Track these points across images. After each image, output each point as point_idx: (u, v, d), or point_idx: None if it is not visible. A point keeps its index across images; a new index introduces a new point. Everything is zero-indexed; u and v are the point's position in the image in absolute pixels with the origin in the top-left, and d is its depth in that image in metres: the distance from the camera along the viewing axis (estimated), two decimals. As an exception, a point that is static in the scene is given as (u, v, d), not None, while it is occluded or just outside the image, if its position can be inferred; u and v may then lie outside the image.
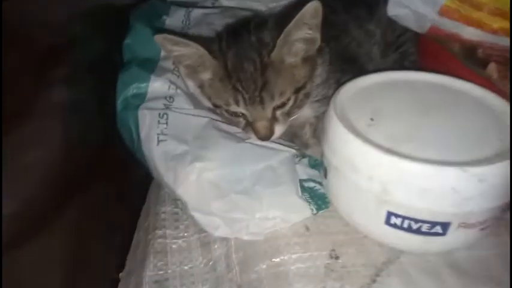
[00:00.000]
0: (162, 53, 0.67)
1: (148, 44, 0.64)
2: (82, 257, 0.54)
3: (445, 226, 0.46)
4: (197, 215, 0.55)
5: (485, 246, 0.51)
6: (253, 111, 0.57)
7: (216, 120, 0.63)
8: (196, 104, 0.65)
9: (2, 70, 0.41)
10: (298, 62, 0.58)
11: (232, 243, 0.55)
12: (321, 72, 0.62)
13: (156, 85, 0.63)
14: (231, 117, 0.60)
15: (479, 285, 0.47)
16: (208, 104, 0.64)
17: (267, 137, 0.59)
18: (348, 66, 0.65)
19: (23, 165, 0.44)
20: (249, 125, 0.59)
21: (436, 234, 0.46)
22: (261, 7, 0.88)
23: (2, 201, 0.39)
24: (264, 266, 0.51)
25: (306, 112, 0.64)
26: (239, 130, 0.62)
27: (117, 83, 0.63)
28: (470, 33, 0.56)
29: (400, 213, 0.46)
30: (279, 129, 0.59)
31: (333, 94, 0.56)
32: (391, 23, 0.72)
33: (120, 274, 0.60)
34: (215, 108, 0.62)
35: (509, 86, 0.52)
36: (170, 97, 0.63)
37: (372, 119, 0.51)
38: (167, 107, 0.62)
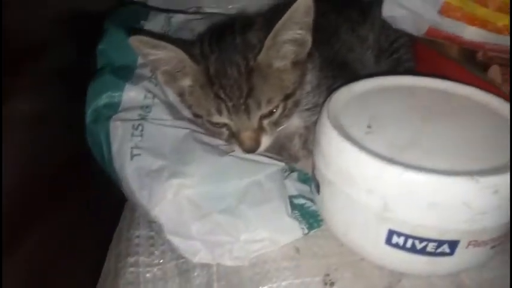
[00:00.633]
0: (140, 60, 0.62)
1: (124, 50, 0.59)
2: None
3: (453, 245, 0.41)
4: (174, 239, 0.50)
5: (494, 265, 0.47)
6: (237, 121, 0.52)
7: (197, 131, 0.58)
8: (176, 114, 0.60)
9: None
10: (287, 67, 0.53)
11: (215, 270, 0.50)
12: (311, 78, 0.58)
13: (131, 94, 0.58)
14: (214, 128, 0.55)
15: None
16: (188, 114, 0.59)
17: (252, 149, 0.54)
18: (340, 72, 0.61)
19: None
20: (233, 137, 0.54)
21: (443, 254, 0.42)
22: (250, 13, 0.84)
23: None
24: (251, 296, 0.46)
25: (295, 122, 0.60)
26: (222, 142, 0.57)
27: (87, 92, 0.57)
28: (472, 34, 0.52)
29: (403, 231, 0.42)
30: (266, 141, 0.54)
31: (324, 102, 0.51)
32: (385, 28, 0.69)
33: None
34: (196, 118, 0.57)
35: (509, 87, 0.48)
36: (146, 107, 0.58)
37: (369, 126, 0.46)
38: (143, 118, 0.56)
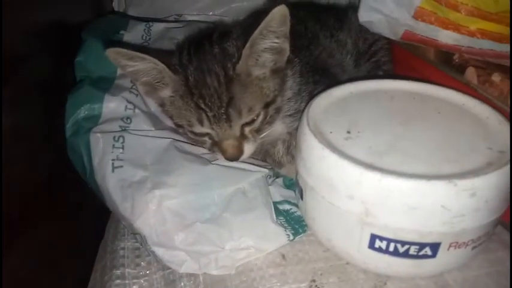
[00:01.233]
0: (119, 70, 0.61)
1: (103, 61, 0.58)
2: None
3: (435, 247, 0.41)
4: (159, 250, 0.49)
5: (477, 265, 0.48)
6: (219, 131, 0.52)
7: (180, 141, 0.58)
8: (158, 124, 0.60)
9: None
10: (266, 75, 0.53)
11: (201, 279, 0.50)
12: (291, 84, 0.58)
13: (111, 105, 0.58)
14: (196, 138, 0.55)
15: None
16: (171, 123, 0.59)
17: (235, 157, 0.54)
18: (321, 77, 0.61)
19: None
20: (216, 145, 0.54)
21: (425, 256, 0.42)
22: (229, 21, 0.84)
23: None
24: (237, 304, 0.46)
25: (278, 128, 0.60)
26: (205, 151, 0.57)
27: (66, 105, 0.56)
28: (446, 37, 0.53)
29: (385, 235, 0.42)
30: (248, 148, 0.54)
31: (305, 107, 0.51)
32: (362, 32, 0.70)
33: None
34: (178, 128, 0.56)
35: (509, 90, 0.49)
36: (127, 118, 0.57)
37: (348, 132, 0.46)
38: (124, 129, 0.56)
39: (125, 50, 0.49)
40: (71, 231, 0.58)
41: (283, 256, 0.51)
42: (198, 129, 0.53)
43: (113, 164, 0.53)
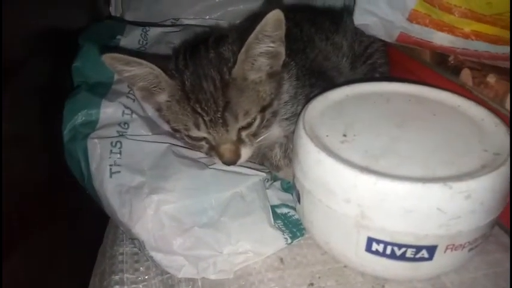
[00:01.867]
0: (116, 76, 0.62)
1: (100, 66, 0.58)
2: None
3: (432, 250, 0.42)
4: (157, 255, 0.49)
5: (474, 267, 0.48)
6: (216, 135, 0.52)
7: (177, 145, 0.58)
8: (155, 128, 0.60)
9: None
10: (262, 78, 0.53)
11: (199, 284, 0.50)
12: (288, 88, 0.58)
13: (109, 111, 0.58)
14: (193, 142, 0.55)
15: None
16: (168, 128, 0.59)
17: (233, 161, 0.54)
18: (317, 80, 0.61)
19: None
20: (213, 149, 0.54)
21: (422, 259, 0.42)
22: (225, 25, 0.85)
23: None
24: (236, 309, 0.46)
25: (275, 132, 0.60)
26: (203, 155, 0.57)
27: (64, 111, 0.56)
28: (441, 39, 0.53)
29: (381, 238, 0.42)
30: (245, 152, 0.54)
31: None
32: (358, 34, 0.70)
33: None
34: (175, 132, 0.56)
35: (504, 91, 0.49)
36: (125, 123, 0.58)
37: (344, 135, 0.47)
38: (121, 135, 0.56)
39: (121, 55, 0.49)
40: (70, 237, 0.58)
41: (282, 260, 0.51)
42: (195, 133, 0.53)
43: (110, 169, 0.53)
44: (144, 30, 0.72)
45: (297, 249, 0.52)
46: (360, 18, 0.59)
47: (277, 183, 0.61)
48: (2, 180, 0.44)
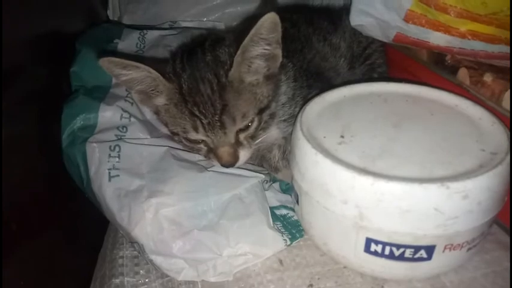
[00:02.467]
0: (114, 79, 0.62)
1: (98, 70, 0.58)
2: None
3: (430, 250, 0.42)
4: (157, 259, 0.49)
5: (473, 266, 0.48)
6: (214, 137, 0.52)
7: (176, 148, 0.58)
8: (153, 132, 0.60)
9: None
10: (259, 81, 0.53)
11: (200, 286, 0.50)
12: (285, 89, 0.58)
13: (107, 115, 0.58)
14: (191, 145, 0.55)
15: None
16: (166, 131, 0.59)
17: (231, 163, 0.54)
18: (314, 81, 0.61)
19: None
20: (211, 152, 0.54)
21: (421, 259, 0.42)
22: (222, 27, 0.85)
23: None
24: (235, 311, 0.46)
25: (273, 133, 0.60)
26: (201, 157, 0.57)
27: (62, 115, 0.57)
28: (438, 39, 0.53)
29: (380, 239, 0.42)
30: (244, 155, 0.54)
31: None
32: (356, 35, 0.70)
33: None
34: (173, 135, 0.56)
35: (501, 90, 0.49)
36: (123, 127, 0.58)
37: (342, 136, 0.47)
38: (119, 138, 0.56)
39: (118, 59, 0.49)
40: (70, 241, 0.58)
41: (281, 261, 0.51)
42: (193, 136, 0.53)
43: (109, 173, 0.53)
44: (142, 33, 0.72)
45: (296, 250, 0.52)
46: (356, 19, 0.59)
47: (276, 185, 0.61)
48: (1, 184, 0.44)
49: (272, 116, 0.56)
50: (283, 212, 0.56)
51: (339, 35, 0.70)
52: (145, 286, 0.52)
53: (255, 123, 0.53)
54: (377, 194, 0.40)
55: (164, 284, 0.51)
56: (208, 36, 0.57)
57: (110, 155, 0.54)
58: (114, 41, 0.69)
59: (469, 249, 0.43)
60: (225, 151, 0.53)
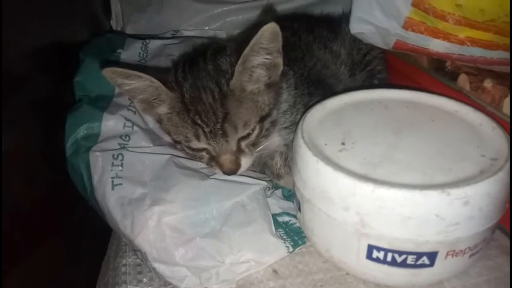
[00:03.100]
0: (117, 89, 0.62)
1: (101, 80, 0.59)
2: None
3: (432, 256, 0.42)
4: (160, 267, 0.50)
5: (476, 272, 0.48)
6: (216, 146, 0.53)
7: (178, 156, 0.58)
8: (156, 140, 0.60)
9: None
10: (261, 89, 0.54)
11: (202, 294, 0.49)
12: (287, 97, 0.59)
13: (110, 123, 0.59)
14: (194, 153, 0.56)
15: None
16: (169, 139, 0.59)
17: (233, 171, 0.54)
18: (316, 88, 0.62)
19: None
20: (213, 160, 0.55)
21: (423, 265, 0.42)
22: (223, 36, 0.86)
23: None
24: (238, 319, 0.46)
25: (275, 140, 0.60)
26: (203, 165, 0.58)
27: (66, 125, 0.57)
28: (437, 46, 0.54)
29: (382, 246, 0.42)
30: (246, 162, 0.55)
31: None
32: (356, 42, 0.71)
33: None
34: (176, 144, 0.57)
35: (501, 96, 0.49)
36: (126, 135, 0.58)
37: (343, 143, 0.47)
38: (122, 147, 0.57)
39: (121, 69, 0.50)
40: (73, 249, 0.58)
41: (283, 268, 0.51)
42: (195, 144, 0.53)
43: (112, 182, 0.53)
44: (144, 43, 0.73)
45: (298, 257, 0.52)
46: (355, 27, 0.60)
47: (278, 192, 0.61)
48: (1, 194, 0.44)
49: (273, 123, 0.56)
50: (286, 219, 0.56)
51: (339, 42, 0.70)
52: (149, 294, 0.52)
53: (256, 131, 0.54)
54: (378, 201, 0.40)
55: (167, 292, 0.52)
56: (210, 46, 0.57)
57: (113, 163, 0.55)
58: (117, 51, 0.70)
59: (471, 255, 0.43)
60: (226, 159, 0.53)
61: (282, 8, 0.87)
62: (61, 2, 0.67)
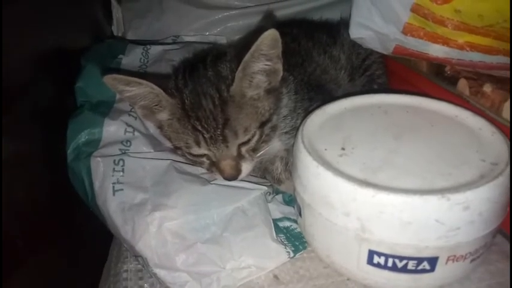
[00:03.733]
0: (118, 95, 0.63)
1: (102, 86, 0.58)
2: None
3: (433, 261, 0.42)
4: (161, 272, 0.49)
5: (477, 277, 0.48)
6: (216, 151, 0.53)
7: (179, 161, 0.58)
8: (157, 145, 0.60)
9: None
10: (261, 95, 0.54)
11: (203, 299, 0.49)
12: (287, 102, 0.59)
13: (111, 129, 0.59)
14: (194, 158, 0.56)
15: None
16: (169, 145, 0.60)
17: (233, 176, 0.54)
18: (316, 93, 0.62)
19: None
20: (214, 165, 0.55)
21: (424, 271, 0.42)
22: (223, 41, 0.86)
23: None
24: (239, 325, 0.46)
25: (276, 145, 0.60)
26: (204, 171, 0.58)
27: (67, 131, 0.58)
28: (436, 51, 0.54)
29: (382, 251, 0.42)
30: (246, 167, 0.55)
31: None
32: (355, 47, 0.71)
33: None
34: (176, 150, 0.57)
35: (501, 100, 0.50)
36: (127, 141, 0.59)
37: (343, 148, 0.47)
38: (123, 152, 0.57)
39: (121, 76, 0.50)
40: (74, 255, 0.58)
41: (284, 274, 0.51)
42: (196, 150, 0.54)
43: (113, 187, 0.53)
44: (145, 48, 0.73)
45: (299, 262, 0.52)
46: (355, 32, 0.60)
47: (279, 197, 0.61)
48: (1, 199, 0.44)
49: (274, 128, 0.56)
50: (286, 224, 0.56)
51: (338, 47, 0.70)
52: (150, 300, 0.52)
53: (256, 137, 0.54)
54: (378, 206, 0.40)
55: (168, 298, 0.51)
56: (210, 52, 0.57)
57: (114, 169, 0.55)
58: (119, 57, 0.70)
59: (472, 260, 0.43)
60: (227, 164, 0.53)
61: (282, 13, 0.88)
62: (62, 9, 0.68)
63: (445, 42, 0.52)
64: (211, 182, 0.56)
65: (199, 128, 0.51)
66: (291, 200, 0.60)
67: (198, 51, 0.62)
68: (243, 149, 0.54)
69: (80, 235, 0.60)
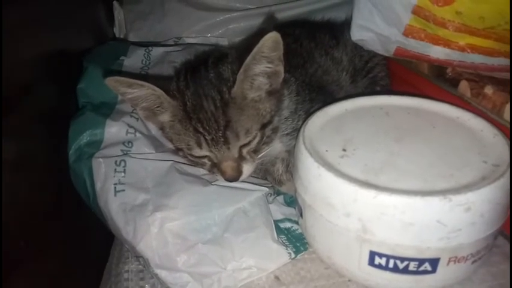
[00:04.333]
0: (120, 96, 0.63)
1: (104, 87, 0.58)
2: None
3: (434, 262, 0.42)
4: (162, 273, 0.50)
5: (479, 279, 0.48)
6: (217, 153, 0.53)
7: (180, 162, 0.58)
8: (159, 146, 0.61)
9: None
10: (262, 96, 0.54)
11: (204, 300, 0.49)
12: (288, 104, 0.59)
13: (113, 130, 0.59)
14: (196, 160, 0.56)
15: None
16: (171, 146, 0.60)
17: (234, 177, 0.54)
18: (317, 95, 0.62)
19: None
20: (215, 167, 0.55)
21: (425, 272, 0.42)
22: (225, 43, 0.86)
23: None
24: (240, 325, 0.46)
25: (277, 147, 0.60)
26: (205, 172, 0.58)
27: (69, 132, 0.58)
28: (437, 53, 0.54)
29: (383, 252, 0.42)
30: (247, 169, 0.55)
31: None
32: (358, 49, 0.71)
33: None
34: (178, 151, 0.57)
35: (502, 102, 0.50)
36: (129, 142, 0.59)
37: (344, 150, 0.47)
38: (125, 153, 0.57)
39: (123, 78, 0.50)
40: (75, 256, 0.58)
41: (285, 275, 0.51)
42: (197, 152, 0.54)
43: (115, 188, 0.54)
44: (147, 50, 0.73)
45: (300, 263, 0.52)
46: (356, 34, 0.60)
47: (280, 198, 0.61)
48: (3, 199, 0.44)
49: (275, 130, 0.56)
50: (288, 225, 0.57)
51: (340, 49, 0.70)
52: (151, 301, 0.52)
53: (257, 138, 0.54)
54: (379, 207, 0.40)
55: (169, 299, 0.51)
56: (211, 54, 0.58)
57: (115, 170, 0.55)
58: (120, 58, 0.70)
59: (474, 261, 0.43)
60: (228, 166, 0.54)
61: (284, 15, 0.88)
62: (64, 11, 0.68)
63: (446, 44, 0.53)
64: (213, 183, 0.56)
65: (201, 129, 0.51)
66: (292, 201, 0.60)
67: (199, 53, 0.62)
68: (244, 151, 0.54)
69: (81, 235, 0.60)
